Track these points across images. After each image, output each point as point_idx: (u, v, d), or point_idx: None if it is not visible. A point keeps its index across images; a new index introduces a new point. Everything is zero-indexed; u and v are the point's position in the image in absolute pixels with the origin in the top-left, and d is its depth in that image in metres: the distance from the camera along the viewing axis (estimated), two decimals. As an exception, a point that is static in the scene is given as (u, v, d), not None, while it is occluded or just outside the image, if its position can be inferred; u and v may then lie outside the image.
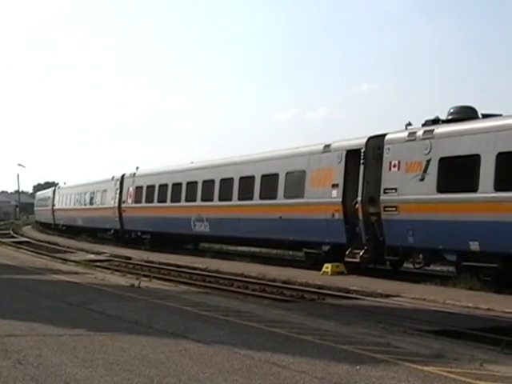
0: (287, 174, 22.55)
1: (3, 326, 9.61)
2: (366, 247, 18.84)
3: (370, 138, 19.25)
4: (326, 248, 20.60)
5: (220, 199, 26.58)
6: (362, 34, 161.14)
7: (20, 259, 24.97)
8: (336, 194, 19.91)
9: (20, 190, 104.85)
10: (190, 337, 8.71)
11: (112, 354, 7.70)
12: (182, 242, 33.00)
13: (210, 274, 20.46)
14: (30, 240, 43.18)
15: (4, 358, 7.44)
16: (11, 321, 10.12)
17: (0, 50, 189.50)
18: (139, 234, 34.94)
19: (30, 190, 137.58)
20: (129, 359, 7.39)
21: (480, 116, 17.10)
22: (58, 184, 63.94)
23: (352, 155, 19.59)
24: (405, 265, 19.94)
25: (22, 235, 51.05)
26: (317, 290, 15.84)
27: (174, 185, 30.70)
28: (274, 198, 22.91)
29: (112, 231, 38.74)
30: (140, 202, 34.24)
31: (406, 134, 17.90)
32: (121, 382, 6.37)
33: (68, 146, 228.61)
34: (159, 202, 32.04)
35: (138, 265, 24.33)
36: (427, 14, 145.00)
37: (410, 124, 18.37)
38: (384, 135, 18.76)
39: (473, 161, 15.72)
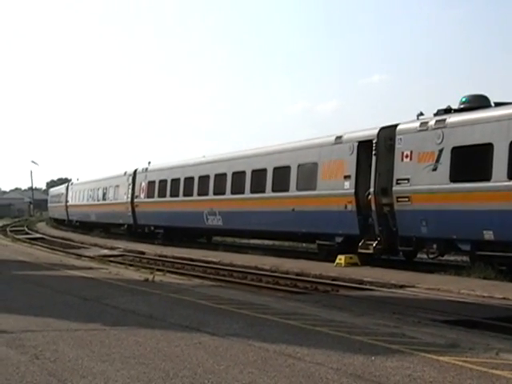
0: (299, 166, 22.50)
1: (19, 322, 9.69)
2: (379, 238, 18.78)
3: (382, 129, 19.16)
4: (339, 240, 20.56)
5: (232, 192, 26.58)
6: (373, 25, 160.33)
7: (35, 255, 25.11)
8: (348, 186, 19.87)
9: (33, 187, 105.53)
10: (204, 330, 8.74)
11: (127, 348, 7.74)
12: (194, 236, 33.10)
13: (223, 267, 20.50)
14: (44, 236, 43.47)
15: (21, 353, 7.51)
16: (27, 316, 10.20)
17: (12, 49, 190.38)
18: (152, 228, 35.07)
19: (44, 187, 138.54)
20: (144, 353, 7.43)
21: (492, 104, 16.97)
22: (70, 180, 64.27)
23: (364, 146, 19.51)
24: (418, 255, 19.90)
25: (37, 231, 51.43)
26: (330, 282, 15.84)
27: (186, 179, 30.73)
28: (287, 190, 22.89)
29: (125, 226, 38.86)
30: (153, 196, 34.32)
31: (417, 123, 17.81)
32: (137, 376, 6.40)
33: (80, 142, 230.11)
34: (172, 196, 32.09)
35: (151, 259, 24.43)
36: (438, 3, 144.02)
37: (421, 114, 18.26)
38: (396, 125, 18.67)
39: (486, 150, 15.61)
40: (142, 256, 25.87)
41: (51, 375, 6.52)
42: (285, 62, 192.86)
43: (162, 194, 33.29)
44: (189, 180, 30.34)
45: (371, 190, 18.92)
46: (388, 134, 18.87)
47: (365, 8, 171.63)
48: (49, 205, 71.33)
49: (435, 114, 17.74)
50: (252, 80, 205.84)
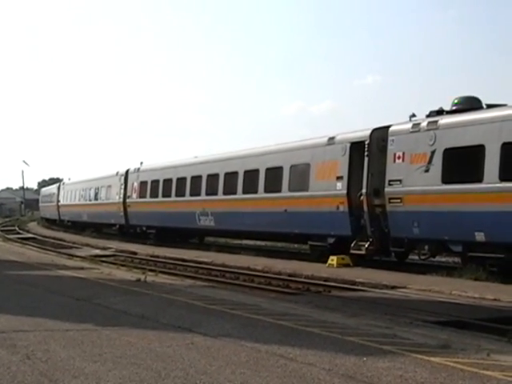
0: (292, 167, 22.52)
1: (11, 322, 9.66)
2: (371, 239, 18.83)
3: (374, 130, 19.21)
4: (331, 240, 20.59)
5: (225, 193, 26.57)
6: (366, 26, 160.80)
7: (26, 255, 25.03)
8: (341, 187, 19.90)
9: (25, 187, 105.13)
10: (196, 330, 8.73)
11: (119, 348, 7.73)
12: (187, 237, 33.06)
13: (215, 267, 20.49)
14: (35, 236, 43.31)
15: (13, 353, 7.49)
16: (19, 316, 10.17)
17: (4, 48, 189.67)
18: (144, 228, 34.98)
19: (35, 187, 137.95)
20: (136, 353, 7.42)
21: (484, 106, 17.04)
22: (62, 180, 64.07)
23: (356, 147, 19.55)
24: (410, 256, 19.94)
25: (28, 231, 51.22)
26: (323, 283, 15.86)
27: (178, 179, 30.70)
28: (279, 191, 22.90)
29: (117, 226, 38.82)
30: (145, 196, 34.27)
31: (410, 125, 17.86)
32: (128, 376, 6.39)
33: (72, 141, 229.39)
34: (164, 196, 32.05)
35: (143, 259, 24.39)
36: (432, 4, 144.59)
37: (414, 115, 18.32)
38: (388, 127, 18.72)
39: (477, 151, 15.67)
40: (134, 256, 25.82)
41: (42, 375, 6.51)
42: (279, 62, 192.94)
43: (154, 194, 33.24)
44: (181, 180, 30.31)
45: (363, 190, 18.96)
46: (380, 135, 18.92)
47: (360, 9, 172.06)
48: (40, 204, 71.10)
49: (427, 116, 17.80)
50: (247, 80, 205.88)
